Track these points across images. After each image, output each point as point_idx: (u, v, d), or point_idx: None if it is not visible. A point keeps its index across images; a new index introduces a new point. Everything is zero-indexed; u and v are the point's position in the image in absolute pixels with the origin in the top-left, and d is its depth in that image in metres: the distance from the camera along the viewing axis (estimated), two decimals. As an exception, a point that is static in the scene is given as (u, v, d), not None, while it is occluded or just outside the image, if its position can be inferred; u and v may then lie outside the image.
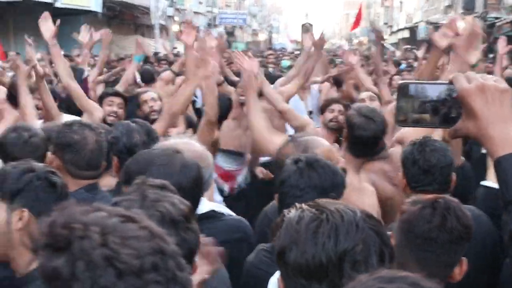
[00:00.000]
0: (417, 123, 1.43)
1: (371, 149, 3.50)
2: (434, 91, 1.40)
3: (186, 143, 2.63)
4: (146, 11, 30.35)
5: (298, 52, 25.26)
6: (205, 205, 2.55)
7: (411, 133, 3.60)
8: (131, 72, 6.80)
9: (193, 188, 2.10)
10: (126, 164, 2.19)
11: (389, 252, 1.38)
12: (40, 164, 2.24)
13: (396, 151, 3.59)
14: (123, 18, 31.05)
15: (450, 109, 1.39)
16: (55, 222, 1.00)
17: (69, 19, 24.26)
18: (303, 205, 1.45)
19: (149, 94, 5.72)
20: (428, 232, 2.04)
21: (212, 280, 2.06)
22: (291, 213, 1.44)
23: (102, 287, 0.93)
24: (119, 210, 1.06)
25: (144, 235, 1.00)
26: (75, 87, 4.71)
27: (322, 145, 2.89)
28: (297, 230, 1.38)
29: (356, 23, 25.77)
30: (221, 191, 5.40)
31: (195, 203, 2.10)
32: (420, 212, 2.10)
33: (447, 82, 1.39)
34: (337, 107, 5.30)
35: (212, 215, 2.60)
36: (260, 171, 5.76)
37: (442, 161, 2.90)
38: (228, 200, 5.05)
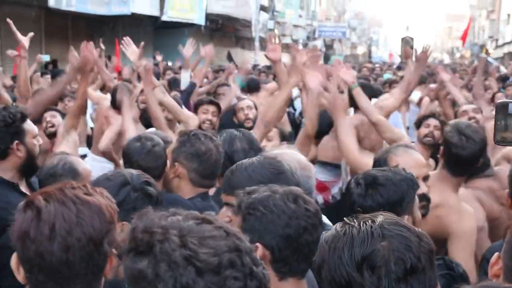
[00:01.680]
0: None
1: (469, 168, 3.37)
2: None
3: (291, 154, 2.75)
4: (247, 24, 30.96)
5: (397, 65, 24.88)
6: None
7: None
8: (232, 97, 6.92)
9: None
10: (227, 175, 2.26)
11: (414, 256, 1.39)
12: (134, 174, 2.41)
13: (503, 169, 3.48)
14: (225, 31, 31.82)
15: None
16: (137, 228, 1.11)
17: (173, 31, 25.26)
18: (338, 224, 1.53)
19: (245, 102, 5.87)
20: None
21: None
22: (327, 232, 1.53)
23: (184, 285, 1.02)
24: (195, 214, 1.15)
25: (220, 235, 1.07)
26: (168, 101, 4.93)
27: (413, 155, 2.90)
28: (324, 248, 1.48)
29: (464, 36, 24.87)
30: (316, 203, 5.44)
31: None
32: None
33: None
34: (433, 122, 5.08)
35: None
36: None
37: None
38: (322, 211, 5.07)
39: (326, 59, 41.10)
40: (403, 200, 2.25)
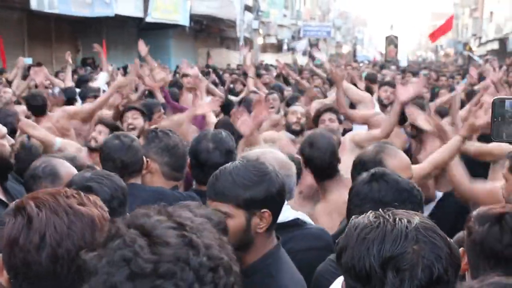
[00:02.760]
0: (511, 139, 1.41)
1: None
2: None
3: (270, 153, 2.77)
4: (232, 24, 30.94)
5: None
6: (290, 213, 2.64)
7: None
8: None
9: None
10: (212, 180, 2.25)
11: (442, 267, 1.36)
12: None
13: None
14: (210, 32, 31.78)
15: None
16: (117, 221, 1.12)
17: (158, 32, 25.18)
18: (371, 212, 1.50)
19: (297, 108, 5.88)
20: (501, 252, 1.94)
21: (288, 282, 2.16)
22: (357, 218, 1.51)
23: (112, 284, 1.01)
24: (179, 218, 1.12)
25: (176, 243, 1.05)
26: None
27: (401, 157, 2.97)
28: (352, 235, 1.45)
29: (441, 32, 24.74)
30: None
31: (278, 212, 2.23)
32: (488, 231, 2.00)
33: None
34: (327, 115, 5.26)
35: (297, 223, 2.66)
36: None
37: None
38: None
39: (312, 59, 41.21)
40: (395, 207, 2.23)
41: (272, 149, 2.89)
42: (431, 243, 1.39)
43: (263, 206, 2.14)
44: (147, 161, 3.16)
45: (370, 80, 9.94)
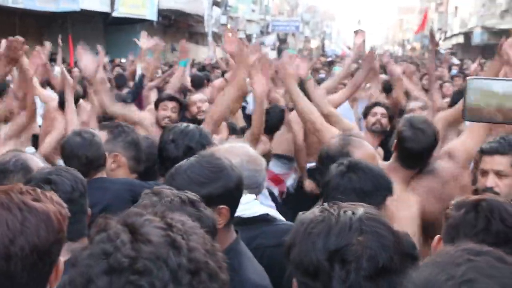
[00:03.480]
0: (484, 119, 1.45)
1: (421, 161, 3.43)
2: (502, 87, 1.40)
3: (239, 147, 2.75)
4: (200, 19, 30.85)
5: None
6: (259, 208, 2.62)
7: (459, 147, 3.57)
8: (178, 76, 6.82)
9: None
10: (168, 180, 2.25)
11: (388, 256, 1.36)
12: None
13: (443, 165, 3.50)
14: (178, 26, 31.63)
15: None
16: (108, 217, 1.13)
17: (125, 28, 24.97)
18: (317, 207, 1.50)
19: (197, 96, 5.88)
20: (474, 236, 1.96)
21: (251, 275, 2.17)
22: (304, 214, 1.50)
23: (89, 277, 1.02)
24: (170, 220, 1.13)
25: (159, 242, 1.06)
26: (115, 110, 4.86)
27: (367, 148, 2.98)
28: (298, 230, 1.45)
29: (422, 27, 25.22)
30: (271, 195, 5.48)
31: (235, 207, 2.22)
32: (464, 217, 2.04)
33: None
34: (379, 110, 5.20)
35: (266, 218, 2.64)
36: (308, 184, 5.75)
37: None
38: (277, 205, 5.13)
39: (280, 53, 41.29)
40: (374, 194, 2.25)
41: (242, 144, 2.87)
42: (375, 233, 1.39)
43: (220, 202, 2.12)
44: (115, 155, 3.20)
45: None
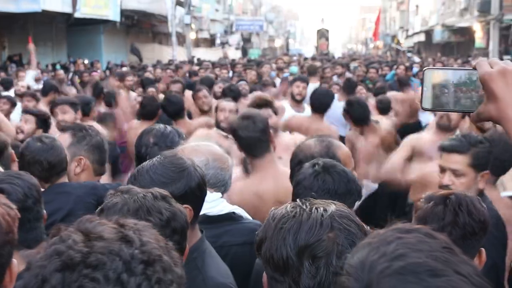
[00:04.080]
0: (440, 108, 1.46)
1: None
2: (456, 76, 1.43)
3: (205, 146, 2.75)
4: (163, 19, 30.66)
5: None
6: (225, 207, 2.63)
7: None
8: None
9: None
10: (131, 181, 2.26)
11: None
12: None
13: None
14: (141, 27, 31.42)
15: (472, 94, 1.42)
16: (60, 226, 1.14)
17: (88, 28, 24.71)
18: (290, 203, 1.52)
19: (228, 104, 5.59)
20: (442, 229, 2.00)
21: (215, 273, 2.19)
22: (276, 210, 1.51)
23: (43, 277, 1.03)
24: (123, 221, 1.14)
25: (111, 237, 1.07)
26: None
27: (345, 149, 2.97)
28: (270, 225, 1.46)
29: (376, 32, 25.65)
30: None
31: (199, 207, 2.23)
32: (432, 209, 2.11)
33: (471, 68, 1.43)
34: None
35: (232, 217, 2.64)
36: None
37: None
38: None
39: (244, 53, 41.35)
40: (347, 197, 2.26)
41: (208, 143, 2.86)
42: (346, 230, 1.41)
43: (183, 201, 2.10)
44: (79, 159, 3.17)
45: (309, 72, 10.02)
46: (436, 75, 1.44)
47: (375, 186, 5.43)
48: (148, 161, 2.24)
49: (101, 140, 3.29)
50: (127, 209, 1.71)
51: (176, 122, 5.61)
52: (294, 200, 2.23)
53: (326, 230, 1.39)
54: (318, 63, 12.99)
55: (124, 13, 25.98)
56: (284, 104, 6.99)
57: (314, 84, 9.30)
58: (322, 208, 1.45)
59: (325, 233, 1.39)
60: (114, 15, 24.87)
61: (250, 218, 2.81)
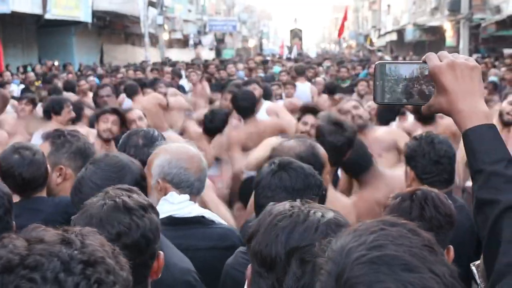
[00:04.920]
0: (392, 101, 1.47)
1: (339, 157, 3.40)
2: (408, 71, 1.45)
3: (176, 146, 2.73)
4: (136, 20, 30.46)
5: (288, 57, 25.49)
6: (193, 209, 2.59)
7: None
8: None
9: None
10: (75, 193, 2.25)
11: None
12: None
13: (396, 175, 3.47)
14: (114, 28, 31.15)
15: (423, 87, 1.45)
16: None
17: (59, 30, 24.41)
18: (289, 202, 1.51)
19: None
20: None
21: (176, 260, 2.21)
22: (274, 205, 1.51)
23: None
24: (67, 228, 1.15)
25: (52, 240, 1.08)
26: None
27: (322, 149, 2.94)
28: (265, 220, 1.45)
29: (341, 29, 25.87)
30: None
31: None
32: (400, 205, 2.14)
33: (421, 61, 1.45)
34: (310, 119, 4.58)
35: (201, 220, 2.60)
36: None
37: (449, 152, 3.01)
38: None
39: (218, 53, 41.30)
40: (305, 193, 2.24)
41: (184, 144, 2.83)
42: None
43: None
44: (60, 169, 3.02)
45: (298, 73, 10.03)
46: (388, 69, 1.45)
47: None
48: (81, 172, 2.23)
49: (83, 145, 3.10)
50: (86, 216, 1.71)
51: None
52: (255, 201, 2.29)
53: (320, 236, 1.37)
54: (289, 63, 13.05)
55: (95, 14, 25.75)
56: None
57: (303, 84, 9.40)
58: (320, 214, 1.43)
59: (318, 239, 1.35)
60: (85, 16, 24.64)
61: (224, 223, 2.76)
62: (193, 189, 2.62)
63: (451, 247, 2.17)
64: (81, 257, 1.05)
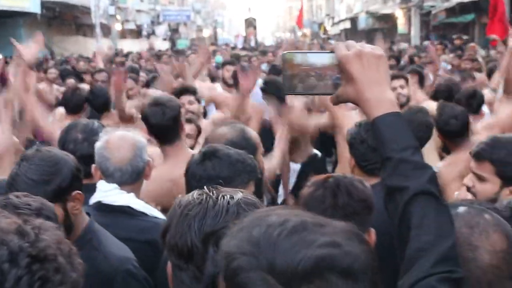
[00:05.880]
0: (301, 91, 1.46)
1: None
2: (317, 60, 1.44)
3: (112, 136, 2.73)
4: (86, 10, 29.90)
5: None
6: (120, 199, 2.61)
7: None
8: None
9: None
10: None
11: None
12: None
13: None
14: (64, 19, 30.51)
15: (332, 77, 1.44)
16: None
17: (7, 21, 23.77)
18: (197, 191, 1.49)
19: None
20: (323, 213, 1.99)
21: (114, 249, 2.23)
22: (183, 197, 1.50)
23: None
24: (29, 219, 1.14)
25: (7, 229, 1.08)
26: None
27: (254, 132, 3.02)
28: (175, 212, 1.44)
29: (300, 18, 25.96)
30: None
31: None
32: (313, 194, 2.13)
33: (329, 51, 1.44)
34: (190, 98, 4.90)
35: (126, 210, 2.62)
36: None
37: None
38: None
39: (173, 43, 40.93)
40: (233, 180, 2.23)
41: (122, 132, 2.80)
42: None
43: (71, 189, 2.20)
44: None
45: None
46: (296, 59, 1.43)
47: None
48: (14, 168, 2.23)
49: None
50: None
51: (102, 116, 5.42)
52: (186, 189, 2.27)
53: (232, 217, 1.37)
54: (243, 52, 13.02)
55: (44, 4, 25.17)
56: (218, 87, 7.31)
57: None
58: (228, 196, 1.43)
59: (231, 220, 1.35)
60: (34, 7, 24.06)
61: (161, 216, 2.71)
62: (118, 178, 2.65)
63: (372, 229, 2.15)
64: (31, 250, 1.03)
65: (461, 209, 1.49)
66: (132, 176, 2.69)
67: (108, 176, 2.64)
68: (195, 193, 1.47)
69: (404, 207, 1.35)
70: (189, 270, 1.39)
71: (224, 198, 1.42)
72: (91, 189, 2.66)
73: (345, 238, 0.96)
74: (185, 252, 1.38)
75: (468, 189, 2.78)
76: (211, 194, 1.44)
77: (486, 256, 1.41)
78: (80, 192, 2.22)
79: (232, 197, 1.43)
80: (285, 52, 1.47)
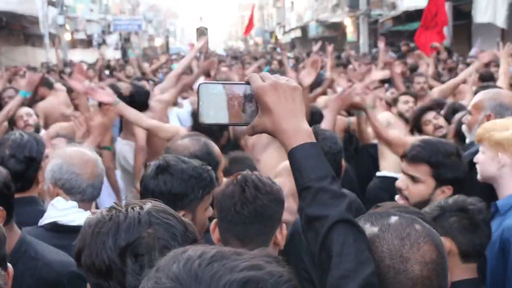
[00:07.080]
0: (216, 122, 1.47)
1: None
2: (233, 91, 1.45)
3: (68, 151, 2.70)
4: (35, 20, 29.39)
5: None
6: (79, 218, 2.46)
7: None
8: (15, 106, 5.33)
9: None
10: None
11: (179, 245, 1.38)
12: None
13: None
14: (11, 29, 29.88)
15: (247, 107, 1.46)
16: None
17: (-49, 32, 23.17)
18: (104, 208, 1.49)
19: (24, 110, 5.38)
20: (234, 207, 2.09)
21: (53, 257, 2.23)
22: (91, 217, 1.48)
23: None
24: None
25: None
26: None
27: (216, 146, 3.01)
28: (87, 233, 1.43)
29: (249, 26, 26.08)
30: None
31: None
32: (224, 191, 2.18)
33: (244, 82, 1.46)
34: None
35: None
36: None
37: (334, 148, 3.14)
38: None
39: (124, 53, 40.57)
40: (186, 196, 2.27)
41: (79, 148, 2.78)
42: (165, 224, 1.41)
43: None
44: None
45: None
46: (211, 90, 1.45)
47: None
48: None
49: None
50: None
51: None
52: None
53: (145, 227, 1.39)
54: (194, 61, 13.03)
55: (-9, 15, 24.66)
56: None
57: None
58: (138, 207, 1.45)
59: (144, 230, 1.39)
60: (-20, 17, 23.54)
61: None
62: (85, 195, 2.60)
63: (284, 225, 2.21)
64: None
65: (393, 219, 1.50)
66: (99, 192, 2.68)
67: (77, 194, 2.58)
68: (104, 211, 1.47)
69: (325, 236, 1.36)
70: (111, 287, 1.39)
71: (133, 209, 1.43)
72: (27, 201, 2.68)
73: (264, 261, 0.98)
74: (104, 269, 1.38)
75: (400, 191, 2.91)
76: (119, 208, 1.45)
77: (416, 267, 1.42)
78: (1, 208, 2.19)
79: (141, 207, 1.44)
80: (200, 83, 1.49)
